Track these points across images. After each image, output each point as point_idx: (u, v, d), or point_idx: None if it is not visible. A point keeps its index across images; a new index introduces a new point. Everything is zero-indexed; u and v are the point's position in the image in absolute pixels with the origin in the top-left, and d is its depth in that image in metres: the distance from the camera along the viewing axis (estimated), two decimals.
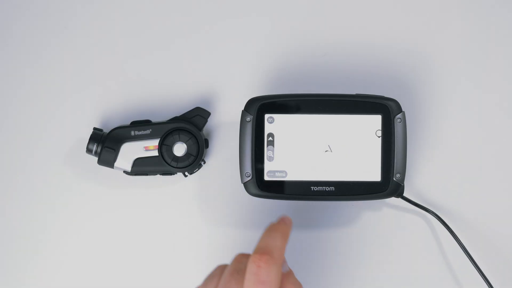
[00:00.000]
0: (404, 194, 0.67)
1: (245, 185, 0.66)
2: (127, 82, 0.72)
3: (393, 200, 0.70)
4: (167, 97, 0.71)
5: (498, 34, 0.72)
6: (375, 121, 0.65)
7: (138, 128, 0.68)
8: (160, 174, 0.69)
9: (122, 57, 0.72)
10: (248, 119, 0.65)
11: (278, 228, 0.56)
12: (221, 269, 0.57)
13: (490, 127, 0.71)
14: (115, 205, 0.71)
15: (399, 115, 0.65)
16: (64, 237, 0.71)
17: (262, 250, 0.54)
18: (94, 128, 0.69)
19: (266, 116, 0.66)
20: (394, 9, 0.72)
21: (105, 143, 0.68)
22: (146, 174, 0.69)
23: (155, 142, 0.68)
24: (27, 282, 0.71)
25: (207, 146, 0.70)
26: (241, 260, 0.57)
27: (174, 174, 0.69)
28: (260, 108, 0.65)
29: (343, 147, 0.66)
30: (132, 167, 0.68)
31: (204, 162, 0.70)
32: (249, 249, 0.71)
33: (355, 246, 0.71)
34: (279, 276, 0.53)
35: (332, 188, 0.65)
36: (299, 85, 0.71)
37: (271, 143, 0.66)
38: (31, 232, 0.71)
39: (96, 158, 0.69)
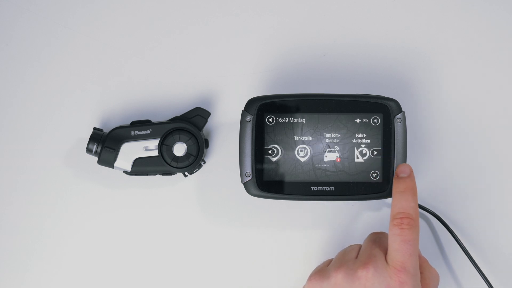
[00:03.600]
0: None
1: (245, 185, 0.66)
2: (127, 82, 0.72)
3: None
4: (167, 97, 0.71)
5: (498, 34, 0.72)
6: (375, 121, 0.65)
7: (138, 128, 0.68)
8: (160, 174, 0.69)
9: (122, 57, 0.72)
10: (248, 119, 0.65)
11: (407, 187, 0.61)
12: (357, 245, 0.63)
13: (490, 127, 0.71)
14: (115, 205, 0.71)
15: (399, 115, 0.65)
16: (64, 237, 0.71)
17: (401, 214, 0.59)
18: (94, 128, 0.69)
19: (266, 116, 0.66)
20: (394, 9, 0.72)
21: (105, 143, 0.68)
22: (146, 174, 0.69)
23: (155, 142, 0.68)
24: (27, 282, 0.71)
25: (207, 146, 0.70)
26: (376, 234, 0.63)
27: (174, 174, 0.69)
28: (260, 108, 0.65)
29: (343, 147, 0.66)
30: (132, 167, 0.68)
31: (204, 162, 0.70)
32: (249, 249, 0.71)
33: None
34: (419, 235, 0.59)
35: (332, 188, 0.65)
36: (299, 85, 0.71)
37: (271, 143, 0.66)
38: (31, 232, 0.71)
39: (96, 158, 0.69)
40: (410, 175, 0.62)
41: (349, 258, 0.61)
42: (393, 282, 0.57)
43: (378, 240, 0.62)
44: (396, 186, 0.61)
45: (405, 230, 0.58)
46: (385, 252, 0.60)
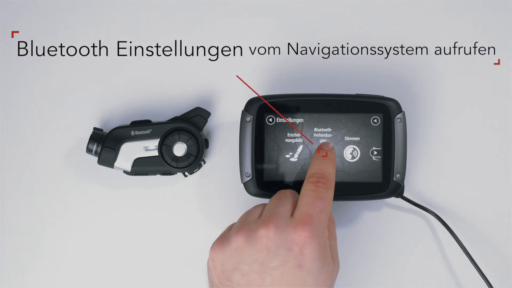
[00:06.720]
0: (404, 194, 0.67)
1: (245, 185, 0.66)
2: (127, 82, 0.72)
3: (393, 200, 0.70)
4: (167, 97, 0.71)
5: (498, 34, 0.72)
6: (375, 121, 0.65)
7: (138, 128, 0.68)
8: (160, 174, 0.69)
9: (122, 57, 0.72)
10: (248, 119, 0.65)
11: (329, 156, 0.58)
12: (261, 205, 0.59)
13: (490, 127, 0.71)
14: (115, 205, 0.71)
15: (399, 115, 0.65)
16: (64, 237, 0.71)
17: (318, 174, 0.56)
18: (94, 128, 0.69)
19: (266, 116, 0.66)
20: (394, 9, 0.72)
21: (105, 143, 0.68)
22: (146, 174, 0.69)
23: (155, 142, 0.68)
24: (27, 282, 0.71)
25: (207, 146, 0.70)
26: (284, 191, 0.58)
27: (174, 174, 0.69)
28: (260, 108, 0.65)
29: (343, 147, 0.66)
30: (132, 167, 0.68)
31: (204, 162, 0.70)
32: None
33: (355, 246, 0.71)
34: (332, 201, 0.55)
35: None
36: (299, 85, 0.71)
37: (271, 143, 0.66)
38: (32, 232, 0.71)
39: (96, 158, 0.69)
40: (332, 150, 0.60)
41: (251, 219, 0.56)
42: (297, 237, 0.52)
43: (284, 198, 0.57)
44: (317, 154, 0.58)
45: (320, 188, 0.54)
46: (292, 209, 0.55)
